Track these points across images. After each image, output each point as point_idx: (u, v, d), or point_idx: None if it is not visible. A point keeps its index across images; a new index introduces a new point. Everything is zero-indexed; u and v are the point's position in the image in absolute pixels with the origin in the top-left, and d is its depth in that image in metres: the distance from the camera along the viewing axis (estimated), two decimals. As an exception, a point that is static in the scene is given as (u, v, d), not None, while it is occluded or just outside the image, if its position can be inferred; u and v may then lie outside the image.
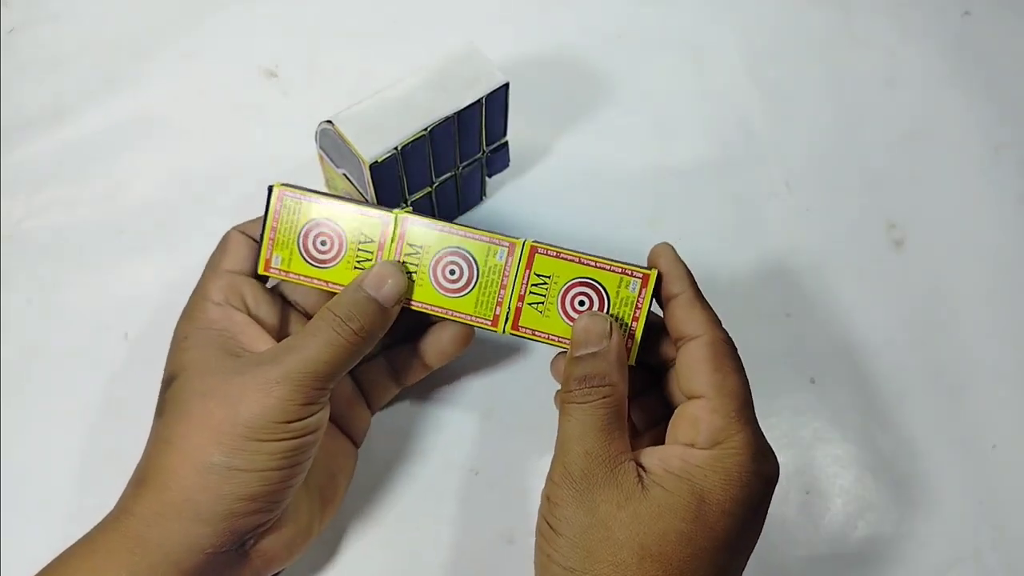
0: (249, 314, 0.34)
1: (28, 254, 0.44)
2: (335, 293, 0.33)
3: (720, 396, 0.31)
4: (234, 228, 0.36)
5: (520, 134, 0.48)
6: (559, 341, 0.33)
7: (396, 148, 0.36)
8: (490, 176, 0.44)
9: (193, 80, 0.51)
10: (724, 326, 0.32)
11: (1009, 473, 0.38)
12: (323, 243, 0.34)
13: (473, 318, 0.34)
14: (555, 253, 0.33)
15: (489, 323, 0.34)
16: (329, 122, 0.36)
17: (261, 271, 0.34)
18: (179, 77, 0.51)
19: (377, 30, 0.53)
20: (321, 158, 0.40)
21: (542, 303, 0.33)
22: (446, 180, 0.41)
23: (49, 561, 0.30)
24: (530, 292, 0.33)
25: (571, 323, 0.33)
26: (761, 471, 0.30)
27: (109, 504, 0.36)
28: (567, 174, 0.47)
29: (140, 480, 0.31)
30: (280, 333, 0.35)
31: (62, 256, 0.44)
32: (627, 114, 0.49)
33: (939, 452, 0.39)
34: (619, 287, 0.33)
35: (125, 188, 0.46)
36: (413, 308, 0.34)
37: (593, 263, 0.33)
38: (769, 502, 0.30)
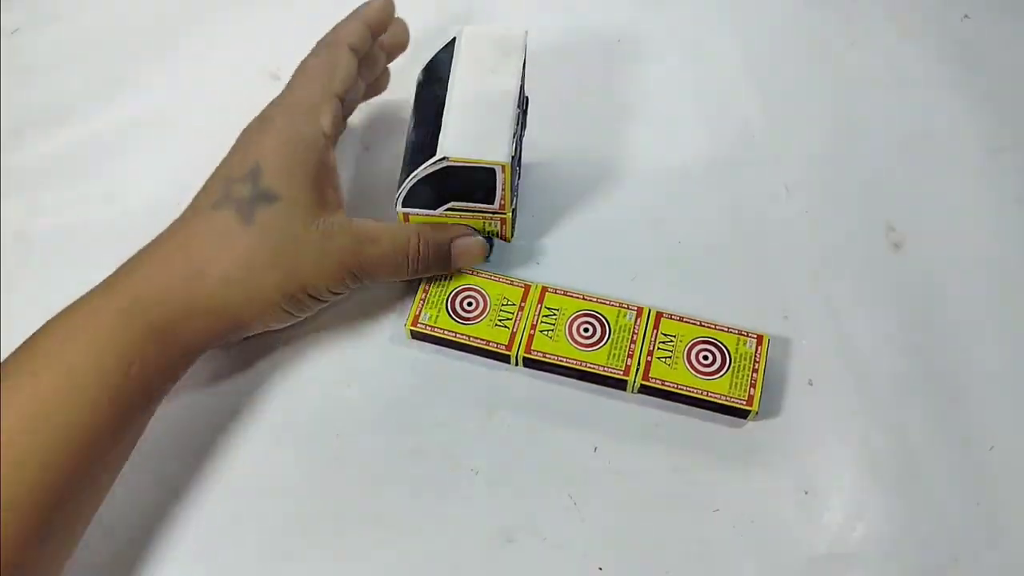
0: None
1: (30, 255, 0.44)
2: (477, 346, 0.39)
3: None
4: (341, 41, 0.39)
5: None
6: (687, 390, 0.38)
7: (514, 135, 0.36)
8: (522, 135, 0.42)
9: (195, 82, 0.51)
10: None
11: (1007, 474, 0.38)
12: (469, 304, 0.40)
13: (606, 368, 0.38)
14: (679, 318, 0.40)
15: (621, 372, 0.38)
16: (443, 159, 0.36)
17: (410, 326, 0.40)
18: (181, 79, 0.51)
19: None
20: (405, 216, 0.40)
21: (670, 357, 0.39)
22: (518, 156, 0.41)
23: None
24: (658, 348, 0.39)
25: (695, 374, 0.38)
26: None
27: (110, 503, 0.36)
28: (567, 175, 0.47)
29: (198, 273, 0.34)
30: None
31: (64, 257, 0.44)
32: (627, 116, 0.50)
33: (937, 453, 0.39)
34: (737, 345, 0.39)
35: (128, 189, 0.46)
36: (547, 360, 0.39)
37: (712, 326, 0.39)
38: None
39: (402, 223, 0.39)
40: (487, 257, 0.42)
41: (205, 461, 0.38)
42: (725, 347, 0.39)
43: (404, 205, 0.39)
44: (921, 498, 0.38)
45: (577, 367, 0.39)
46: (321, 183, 0.36)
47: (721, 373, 0.38)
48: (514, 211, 0.41)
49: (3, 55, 0.52)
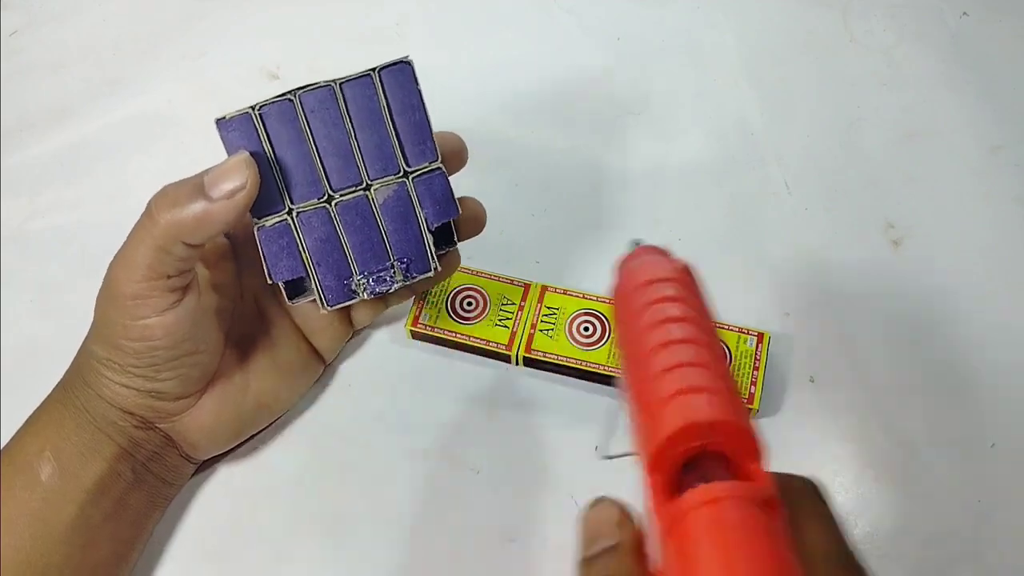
0: None
1: (30, 255, 0.44)
2: (476, 346, 0.39)
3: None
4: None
5: (520, 135, 0.48)
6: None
7: (252, 107, 0.31)
8: (432, 223, 0.34)
9: (195, 81, 0.51)
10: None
11: (1008, 472, 0.38)
12: (469, 304, 0.40)
13: (606, 367, 0.38)
14: None
15: (622, 372, 0.36)
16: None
17: (410, 326, 0.40)
18: (181, 79, 0.51)
19: (378, 32, 0.53)
20: None
21: None
22: (352, 199, 0.33)
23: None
24: None
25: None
26: None
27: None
28: (566, 174, 0.47)
29: (77, 353, 0.35)
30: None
31: (64, 257, 0.44)
32: (626, 114, 0.50)
33: (938, 450, 0.39)
34: (738, 343, 0.39)
35: (127, 189, 0.46)
36: (548, 360, 0.38)
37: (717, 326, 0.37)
38: None
39: None
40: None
41: (205, 461, 0.38)
42: (727, 346, 0.39)
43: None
44: (922, 496, 0.38)
45: (577, 366, 0.38)
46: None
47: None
48: (266, 228, 0.32)
49: (3, 55, 0.52)
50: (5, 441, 0.39)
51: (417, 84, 0.32)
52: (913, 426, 0.40)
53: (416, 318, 0.40)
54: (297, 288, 0.35)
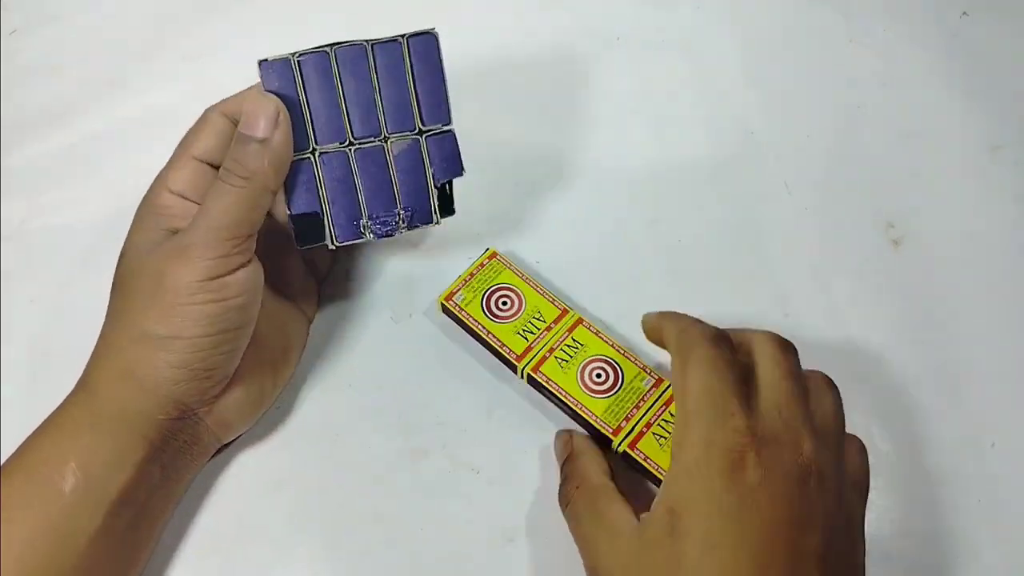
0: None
1: (31, 254, 0.44)
2: (492, 345, 0.39)
3: (681, 395, 0.31)
4: (215, 109, 0.36)
5: (520, 134, 0.48)
6: (663, 473, 0.35)
7: (292, 54, 0.34)
8: (438, 179, 0.38)
9: (195, 81, 0.51)
10: (721, 325, 0.32)
11: (1008, 471, 0.39)
12: (504, 303, 0.40)
13: (598, 419, 0.37)
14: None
15: (610, 431, 0.37)
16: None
17: (442, 299, 0.40)
18: (180, 79, 0.51)
19: (377, 31, 0.53)
20: None
21: (667, 439, 0.36)
22: (370, 147, 0.36)
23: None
24: (659, 424, 0.37)
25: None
26: (714, 452, 0.29)
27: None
28: (566, 174, 0.47)
29: (96, 356, 0.34)
30: None
31: (65, 257, 0.44)
32: (627, 114, 0.50)
33: (938, 450, 0.39)
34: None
35: (127, 189, 0.46)
36: (549, 388, 0.38)
37: None
38: (752, 477, 0.28)
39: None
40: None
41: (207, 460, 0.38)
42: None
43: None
44: (922, 495, 0.38)
45: (573, 407, 0.38)
46: (166, 226, 0.34)
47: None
48: (294, 172, 0.35)
49: (3, 55, 0.52)
50: (5, 441, 0.39)
51: (439, 53, 0.36)
52: (914, 425, 0.40)
53: (452, 294, 0.40)
54: (305, 237, 0.37)
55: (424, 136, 0.37)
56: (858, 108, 0.50)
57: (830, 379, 0.34)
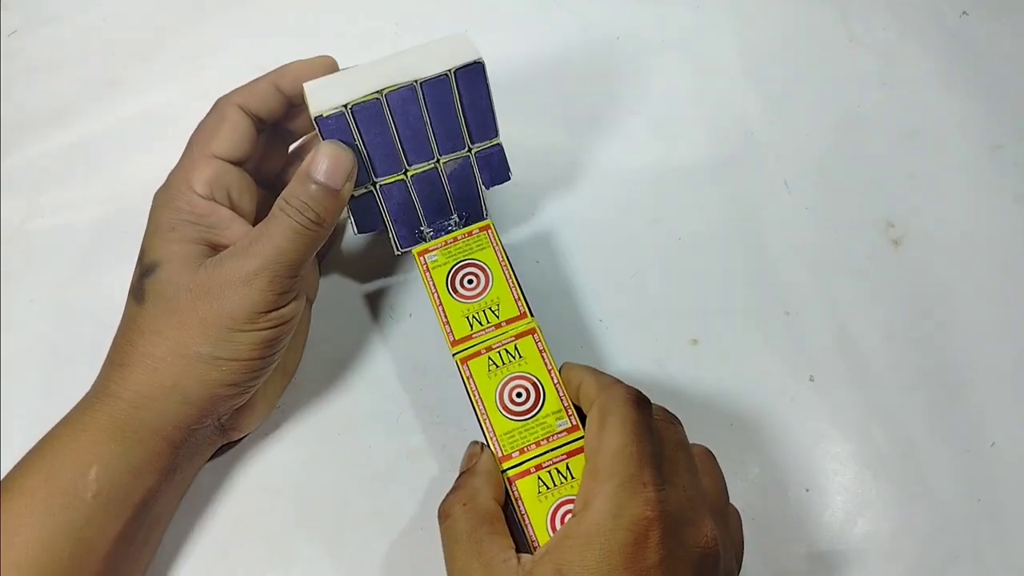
0: (232, 206, 0.35)
1: (31, 254, 0.44)
2: (439, 317, 0.37)
3: (594, 454, 0.31)
4: (230, 102, 0.36)
5: (519, 134, 0.48)
6: (529, 526, 0.33)
7: (345, 106, 0.34)
8: (487, 187, 0.40)
9: (194, 81, 0.51)
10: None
11: (1008, 470, 0.39)
12: (470, 282, 0.38)
13: (495, 438, 0.35)
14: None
15: (499, 456, 0.34)
16: (306, 83, 0.35)
17: (417, 251, 0.38)
18: (180, 79, 0.51)
19: (378, 31, 0.53)
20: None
21: (548, 490, 0.33)
22: (424, 172, 0.38)
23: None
24: (549, 471, 0.34)
25: (553, 533, 0.32)
26: (621, 523, 0.28)
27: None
28: (566, 174, 0.47)
29: (124, 364, 0.33)
30: (257, 218, 0.36)
31: (65, 257, 0.44)
32: (626, 114, 0.50)
33: (938, 449, 0.39)
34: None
35: (127, 189, 0.46)
36: (467, 384, 0.36)
37: None
38: (652, 558, 0.28)
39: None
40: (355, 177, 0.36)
41: (207, 461, 0.38)
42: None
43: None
44: (922, 495, 0.38)
45: (479, 414, 0.35)
46: (205, 237, 0.34)
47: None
48: (356, 199, 0.37)
49: (2, 55, 0.52)
50: (5, 440, 0.39)
51: (486, 78, 0.36)
52: (913, 426, 0.40)
53: (428, 250, 0.38)
54: (363, 226, 0.39)
55: (473, 152, 0.39)
56: (858, 108, 0.50)
57: (709, 450, 0.34)
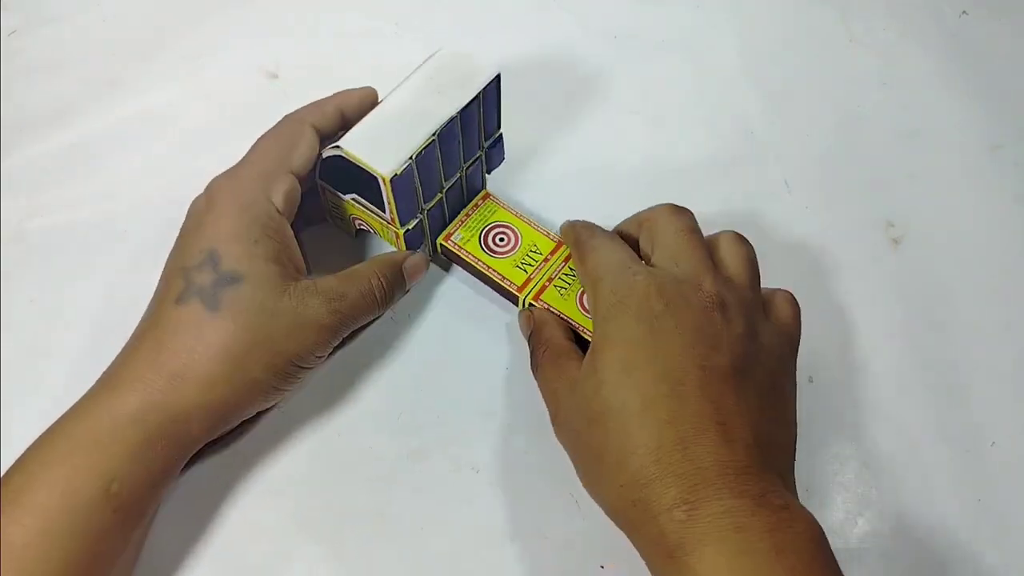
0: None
1: (30, 254, 0.44)
2: (493, 279, 0.40)
3: (584, 280, 0.36)
4: (305, 121, 0.38)
5: (520, 134, 0.48)
6: (569, 319, 0.39)
7: (411, 158, 0.36)
8: (489, 172, 0.43)
9: (194, 81, 0.51)
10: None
11: (1008, 470, 0.39)
12: (501, 239, 0.41)
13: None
14: None
15: None
16: (336, 147, 0.36)
17: (441, 240, 0.41)
18: (180, 79, 0.51)
19: (377, 31, 0.53)
20: (322, 189, 0.40)
21: (566, 289, 0.40)
22: (454, 183, 0.41)
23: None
24: (559, 281, 0.40)
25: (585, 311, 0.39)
26: (620, 296, 0.33)
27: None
28: (567, 174, 0.47)
29: (180, 376, 0.32)
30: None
31: (64, 257, 0.44)
32: (626, 114, 0.50)
33: (938, 449, 0.39)
34: None
35: (127, 189, 0.46)
36: (552, 314, 0.39)
37: None
38: (657, 307, 0.32)
39: (359, 267, 0.38)
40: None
41: (205, 462, 0.38)
42: None
43: (320, 177, 0.39)
44: (922, 495, 0.38)
45: (577, 330, 0.39)
46: (281, 256, 0.35)
47: None
48: (410, 231, 0.39)
49: (3, 55, 0.52)
50: (5, 440, 0.39)
51: (500, 85, 0.39)
52: (913, 424, 0.40)
53: (449, 235, 0.41)
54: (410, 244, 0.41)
55: (484, 147, 0.42)
56: (858, 107, 0.50)
57: (740, 235, 0.37)
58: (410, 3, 0.54)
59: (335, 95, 0.40)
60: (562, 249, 0.41)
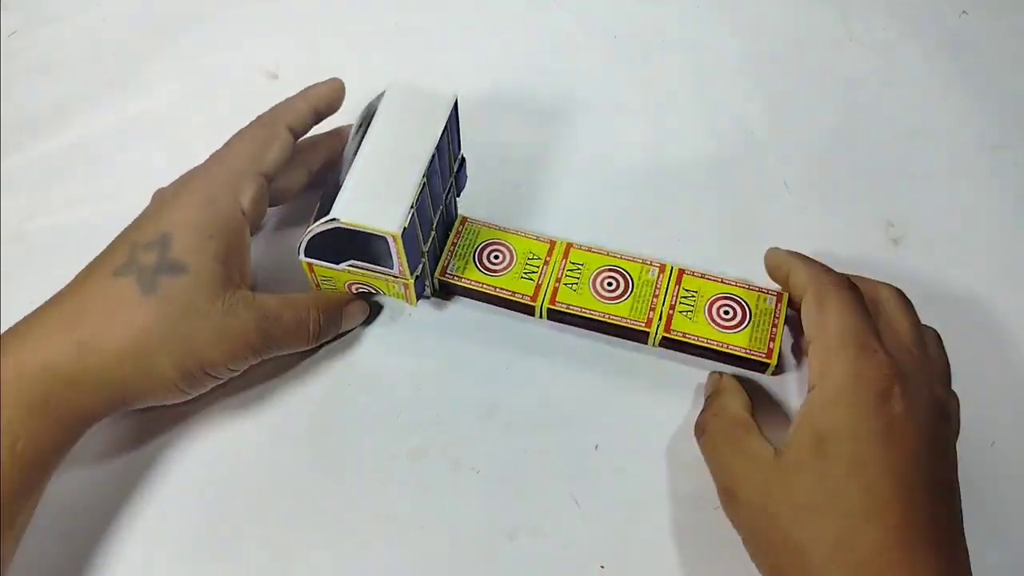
0: (253, 220, 0.37)
1: (30, 255, 0.44)
2: (502, 297, 0.40)
3: (820, 332, 0.33)
4: (281, 119, 0.37)
5: (519, 135, 0.48)
6: (706, 342, 0.39)
7: (412, 207, 0.35)
8: (459, 196, 0.43)
9: (194, 82, 0.51)
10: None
11: (1008, 471, 0.38)
12: (496, 257, 0.41)
13: (628, 320, 0.39)
14: (700, 275, 0.41)
15: (643, 324, 0.39)
16: (331, 220, 0.35)
17: (438, 275, 0.41)
18: (180, 79, 0.51)
19: (377, 31, 0.53)
20: (309, 266, 0.39)
21: (691, 311, 0.40)
22: (439, 217, 0.40)
23: None
24: (680, 302, 0.40)
25: (716, 327, 0.39)
26: (862, 383, 0.31)
27: (106, 503, 0.37)
28: (566, 174, 0.47)
29: (87, 343, 0.32)
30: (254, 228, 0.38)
31: (64, 257, 0.44)
32: (627, 114, 0.50)
33: (938, 450, 0.39)
34: (758, 302, 0.40)
35: (127, 189, 0.46)
36: (571, 312, 0.40)
37: (733, 283, 0.41)
38: (898, 407, 0.31)
39: (298, 294, 0.38)
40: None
41: (205, 461, 0.38)
42: (746, 303, 0.40)
43: (306, 255, 0.38)
44: (922, 495, 0.38)
45: (600, 319, 0.39)
46: (231, 260, 0.35)
47: (741, 327, 0.39)
48: (418, 278, 0.39)
49: (3, 55, 0.52)
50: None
51: (457, 110, 0.39)
52: (913, 425, 0.40)
53: (444, 268, 0.41)
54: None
55: (454, 174, 0.41)
56: (858, 107, 0.50)
57: (934, 330, 0.36)
58: (410, 3, 0.54)
59: (303, 91, 0.39)
60: (557, 248, 0.41)
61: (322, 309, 0.38)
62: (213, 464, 0.38)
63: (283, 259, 0.43)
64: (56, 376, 0.32)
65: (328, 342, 0.41)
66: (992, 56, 0.51)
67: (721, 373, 0.39)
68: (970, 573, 0.31)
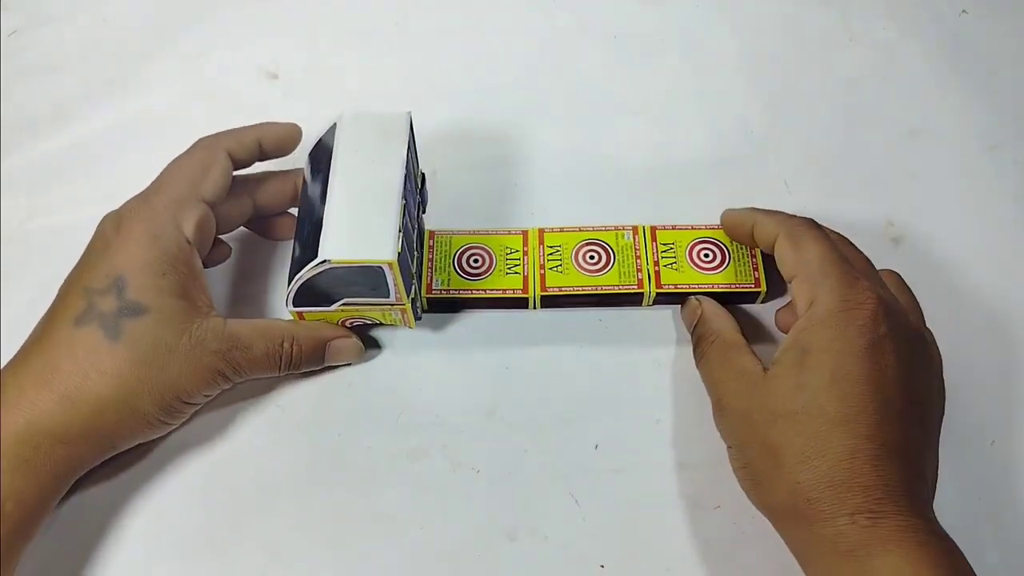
0: (201, 250, 0.37)
1: (30, 255, 0.44)
2: (494, 298, 0.41)
3: (802, 268, 0.35)
4: (219, 144, 0.37)
5: (518, 134, 0.48)
6: (698, 287, 0.41)
7: (400, 232, 0.35)
8: (424, 212, 0.42)
9: (194, 82, 0.51)
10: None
11: (1008, 469, 0.39)
12: (475, 260, 0.41)
13: (620, 286, 0.40)
14: (671, 226, 0.42)
15: (635, 287, 0.40)
16: (323, 262, 0.34)
17: (425, 294, 0.41)
18: (180, 79, 0.51)
19: (377, 31, 0.53)
20: (298, 316, 0.38)
21: (675, 263, 0.41)
22: (416, 236, 0.40)
23: None
24: (662, 257, 0.41)
25: (702, 271, 0.41)
26: (849, 306, 0.33)
27: (106, 503, 0.37)
28: (566, 174, 0.47)
29: (69, 399, 0.32)
30: (203, 257, 0.37)
31: (64, 257, 0.44)
32: (627, 114, 0.50)
33: (938, 450, 0.39)
34: (732, 241, 0.42)
35: (127, 189, 0.46)
36: (564, 294, 0.40)
37: (704, 227, 0.42)
38: (881, 329, 0.32)
39: (276, 322, 0.38)
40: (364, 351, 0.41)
41: (205, 462, 0.38)
42: (721, 243, 0.42)
43: (295, 305, 0.37)
44: (922, 494, 0.38)
45: (593, 292, 0.40)
46: (189, 290, 0.35)
47: (724, 266, 0.41)
48: (413, 300, 0.39)
49: (3, 55, 0.52)
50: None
51: (412, 126, 0.38)
52: (913, 425, 0.40)
53: (429, 285, 0.41)
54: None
55: (419, 191, 0.40)
56: (857, 106, 0.50)
57: (897, 273, 0.39)
58: (410, 3, 0.54)
59: (256, 125, 0.39)
60: (530, 236, 0.42)
61: (301, 343, 0.37)
62: (213, 464, 0.38)
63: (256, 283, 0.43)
64: (43, 432, 0.32)
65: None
66: (992, 56, 0.51)
67: (699, 298, 0.40)
68: (933, 493, 0.33)
